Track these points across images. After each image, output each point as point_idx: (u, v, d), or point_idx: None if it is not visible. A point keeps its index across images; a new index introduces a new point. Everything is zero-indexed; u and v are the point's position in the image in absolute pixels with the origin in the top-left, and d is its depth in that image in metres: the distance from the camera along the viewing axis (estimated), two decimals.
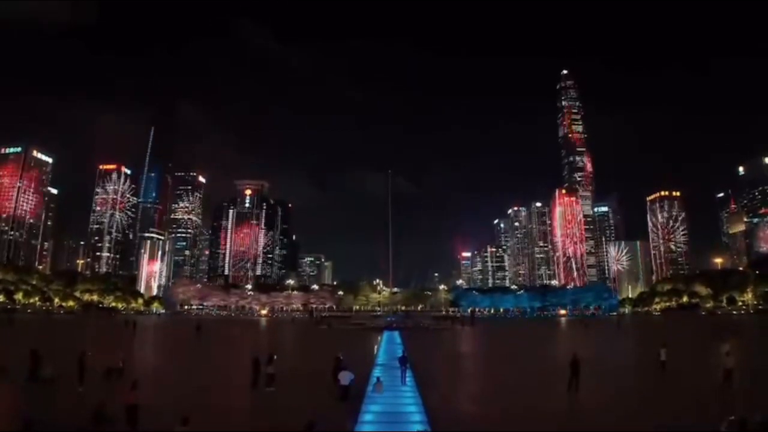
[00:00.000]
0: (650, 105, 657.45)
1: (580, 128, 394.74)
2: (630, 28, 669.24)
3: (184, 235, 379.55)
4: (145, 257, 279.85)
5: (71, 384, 24.56)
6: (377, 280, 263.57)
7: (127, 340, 62.59)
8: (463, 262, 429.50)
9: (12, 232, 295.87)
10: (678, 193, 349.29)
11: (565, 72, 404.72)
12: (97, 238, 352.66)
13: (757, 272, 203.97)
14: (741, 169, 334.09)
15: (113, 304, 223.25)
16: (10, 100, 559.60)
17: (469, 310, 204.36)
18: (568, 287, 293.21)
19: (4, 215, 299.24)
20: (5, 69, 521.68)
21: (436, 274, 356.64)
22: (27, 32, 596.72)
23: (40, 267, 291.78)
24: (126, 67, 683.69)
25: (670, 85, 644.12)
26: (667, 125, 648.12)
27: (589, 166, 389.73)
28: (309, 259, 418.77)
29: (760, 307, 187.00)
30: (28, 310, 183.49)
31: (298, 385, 27.38)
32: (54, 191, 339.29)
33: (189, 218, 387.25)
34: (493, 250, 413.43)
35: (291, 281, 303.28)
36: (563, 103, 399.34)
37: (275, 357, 26.80)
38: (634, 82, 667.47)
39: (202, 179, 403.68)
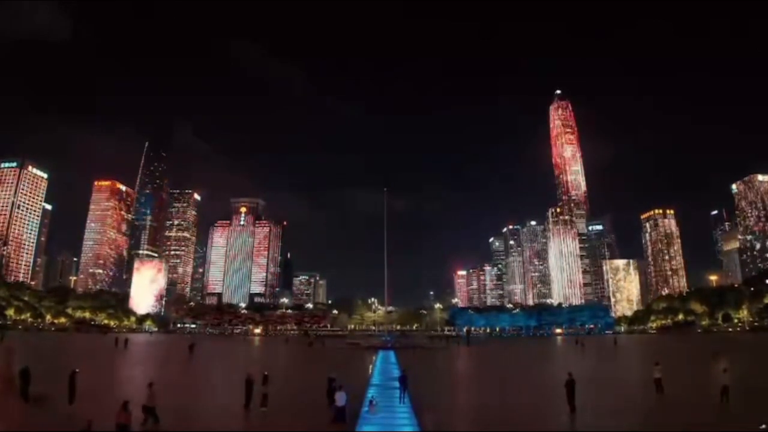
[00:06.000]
0: (645, 123, 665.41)
1: (573, 147, 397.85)
2: (623, 46, 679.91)
3: (178, 252, 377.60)
4: (139, 275, 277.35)
5: (62, 403, 24.16)
6: (372, 299, 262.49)
7: (119, 358, 61.83)
8: (459, 280, 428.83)
9: (5, 247, 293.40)
10: (672, 211, 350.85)
11: (558, 92, 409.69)
12: (90, 254, 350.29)
13: (751, 289, 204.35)
14: (735, 186, 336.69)
15: (105, 321, 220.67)
16: (7, 115, 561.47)
17: (464, 330, 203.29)
18: (563, 306, 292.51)
19: None
20: (4, 85, 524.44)
21: (432, 293, 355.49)
22: (27, 49, 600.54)
23: (33, 283, 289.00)
24: (123, 85, 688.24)
25: (664, 103, 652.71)
26: (661, 144, 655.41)
27: (583, 185, 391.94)
28: (303, 277, 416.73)
29: (755, 323, 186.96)
30: (19, 326, 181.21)
31: (292, 406, 27.03)
32: (48, 207, 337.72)
33: (183, 236, 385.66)
34: (489, 268, 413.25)
35: (285, 300, 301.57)
36: (557, 122, 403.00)
37: (268, 376, 26.43)
38: (628, 101, 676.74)
39: (197, 196, 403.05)
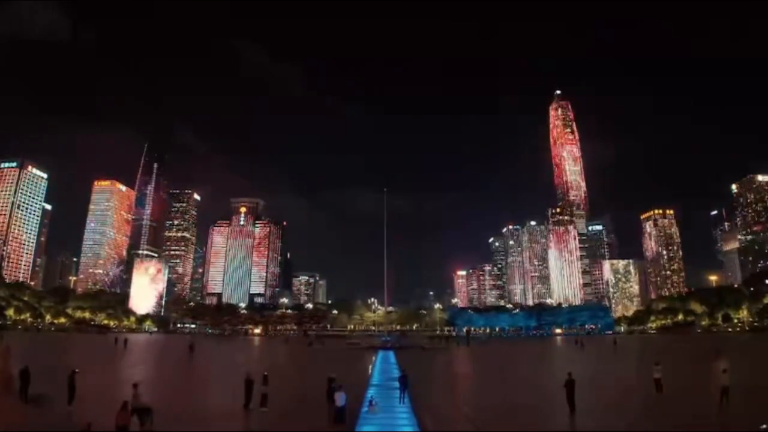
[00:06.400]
0: (645, 123, 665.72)
1: (573, 147, 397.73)
2: (623, 46, 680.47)
3: (177, 252, 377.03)
4: (139, 275, 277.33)
5: (61, 403, 24.14)
6: (372, 299, 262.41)
7: (118, 358, 61.82)
8: (459, 280, 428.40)
9: (5, 247, 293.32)
10: (672, 211, 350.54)
11: (558, 92, 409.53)
12: (90, 254, 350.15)
13: (751, 289, 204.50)
14: (734, 186, 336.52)
15: (105, 321, 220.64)
16: (7, 115, 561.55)
17: (464, 330, 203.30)
18: (563, 306, 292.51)
19: None
20: (4, 85, 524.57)
21: (432, 293, 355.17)
22: (27, 49, 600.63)
23: (33, 283, 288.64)
24: (123, 85, 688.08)
25: (664, 103, 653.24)
26: (661, 144, 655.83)
27: (583, 185, 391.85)
28: (303, 277, 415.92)
29: (755, 324, 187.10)
30: (19, 327, 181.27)
31: (292, 406, 27.03)
32: (48, 207, 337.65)
33: (183, 236, 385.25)
34: (489, 268, 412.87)
35: (285, 300, 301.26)
36: (557, 122, 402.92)
37: (268, 376, 26.39)
38: (628, 101, 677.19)
39: (197, 197, 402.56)
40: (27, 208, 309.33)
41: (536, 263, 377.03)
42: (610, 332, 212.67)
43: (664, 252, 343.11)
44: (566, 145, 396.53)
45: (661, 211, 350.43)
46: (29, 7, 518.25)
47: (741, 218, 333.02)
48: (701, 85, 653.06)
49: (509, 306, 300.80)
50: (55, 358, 59.35)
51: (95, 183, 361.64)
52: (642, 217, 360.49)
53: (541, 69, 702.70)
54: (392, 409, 25.29)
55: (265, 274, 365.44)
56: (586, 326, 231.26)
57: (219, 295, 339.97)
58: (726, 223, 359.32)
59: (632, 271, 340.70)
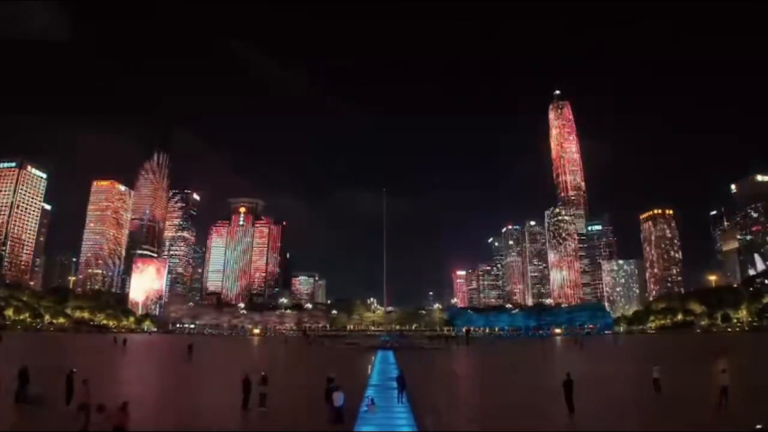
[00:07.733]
0: (644, 124, 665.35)
1: (573, 147, 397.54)
2: (623, 47, 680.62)
3: (177, 252, 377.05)
4: (138, 275, 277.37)
5: (59, 403, 24.08)
6: (371, 299, 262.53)
7: (117, 358, 61.80)
8: (458, 280, 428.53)
9: (4, 247, 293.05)
10: (671, 211, 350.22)
11: (558, 92, 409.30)
12: (89, 254, 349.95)
13: (750, 289, 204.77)
14: (734, 187, 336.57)
15: (104, 321, 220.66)
16: (6, 115, 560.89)
17: (464, 330, 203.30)
18: (562, 306, 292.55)
19: None
20: (3, 84, 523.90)
21: (431, 293, 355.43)
22: (27, 49, 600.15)
23: (32, 283, 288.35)
24: (124, 85, 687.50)
25: (664, 103, 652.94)
26: (661, 144, 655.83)
27: (582, 185, 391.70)
28: (303, 277, 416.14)
29: (754, 324, 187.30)
30: (18, 327, 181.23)
31: (291, 406, 26.99)
32: (48, 207, 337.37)
33: (182, 236, 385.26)
34: (488, 268, 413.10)
35: (284, 300, 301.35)
36: (556, 122, 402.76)
37: (267, 377, 26.33)
38: (628, 101, 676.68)
39: (196, 197, 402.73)
40: (26, 208, 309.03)
41: (536, 263, 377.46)
42: (609, 332, 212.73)
43: (664, 252, 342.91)
44: (566, 145, 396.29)
45: (660, 211, 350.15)
46: (29, 6, 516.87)
47: (741, 218, 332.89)
48: (701, 85, 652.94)
49: (509, 306, 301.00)
50: (54, 358, 59.27)
51: (95, 183, 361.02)
52: (641, 217, 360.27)
53: (541, 69, 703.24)
54: (391, 408, 25.25)
55: (264, 274, 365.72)
56: (585, 326, 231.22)
57: (218, 295, 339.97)
58: (726, 223, 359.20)
59: (631, 271, 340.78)
